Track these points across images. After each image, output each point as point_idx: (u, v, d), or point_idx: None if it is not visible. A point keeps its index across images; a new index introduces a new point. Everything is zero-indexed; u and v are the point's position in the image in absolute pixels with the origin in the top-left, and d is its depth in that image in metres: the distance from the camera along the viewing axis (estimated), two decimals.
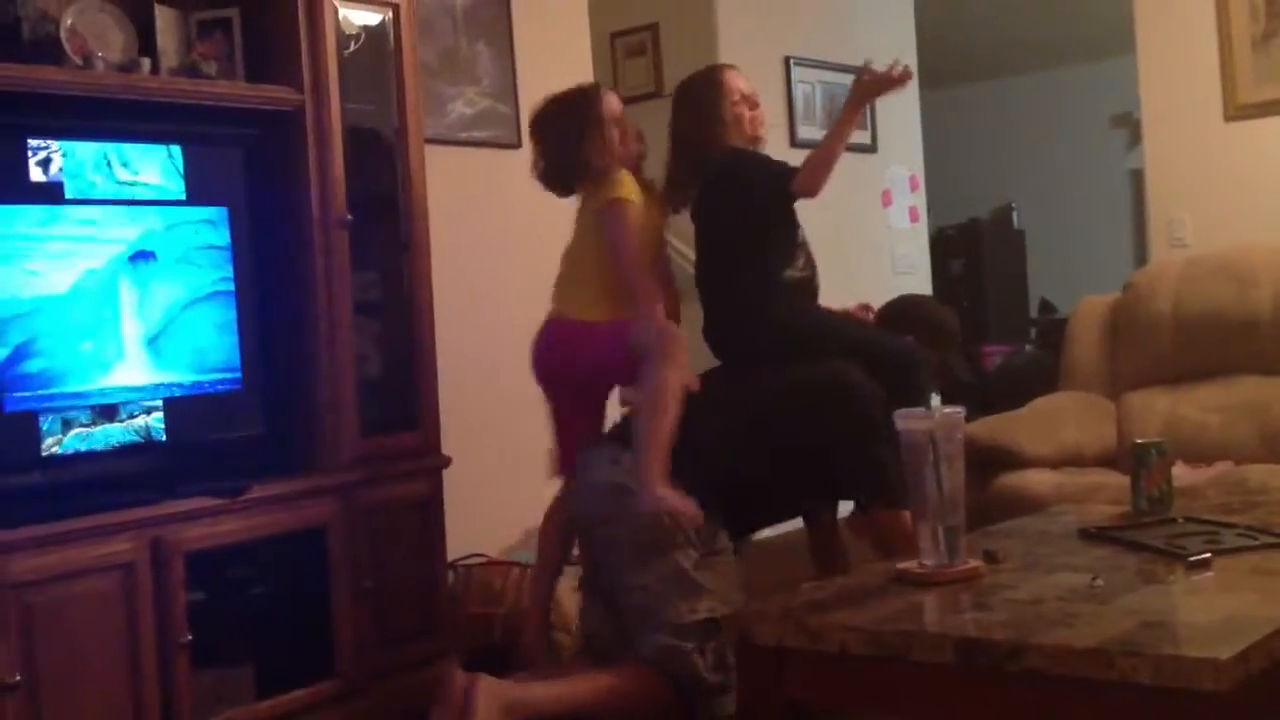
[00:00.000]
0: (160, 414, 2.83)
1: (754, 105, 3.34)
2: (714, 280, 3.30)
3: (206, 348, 2.93)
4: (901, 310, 3.41)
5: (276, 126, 3.05)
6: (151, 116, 2.85)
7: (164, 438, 2.83)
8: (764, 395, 3.10)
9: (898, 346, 3.19)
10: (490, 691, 2.85)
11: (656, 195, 3.27)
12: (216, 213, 2.95)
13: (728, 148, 3.28)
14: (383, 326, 3.34)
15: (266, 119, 3.03)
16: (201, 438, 2.92)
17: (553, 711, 2.87)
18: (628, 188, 3.11)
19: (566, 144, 3.14)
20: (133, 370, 2.80)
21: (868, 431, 2.96)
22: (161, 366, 2.85)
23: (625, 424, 3.21)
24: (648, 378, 2.96)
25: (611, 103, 3.20)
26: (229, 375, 2.97)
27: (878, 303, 3.52)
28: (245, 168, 3.00)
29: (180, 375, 2.88)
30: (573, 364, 3.16)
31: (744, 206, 3.22)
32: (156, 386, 2.83)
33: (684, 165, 3.31)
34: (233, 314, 2.97)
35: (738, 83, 3.34)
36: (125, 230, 2.79)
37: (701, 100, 3.33)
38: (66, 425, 2.68)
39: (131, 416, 2.79)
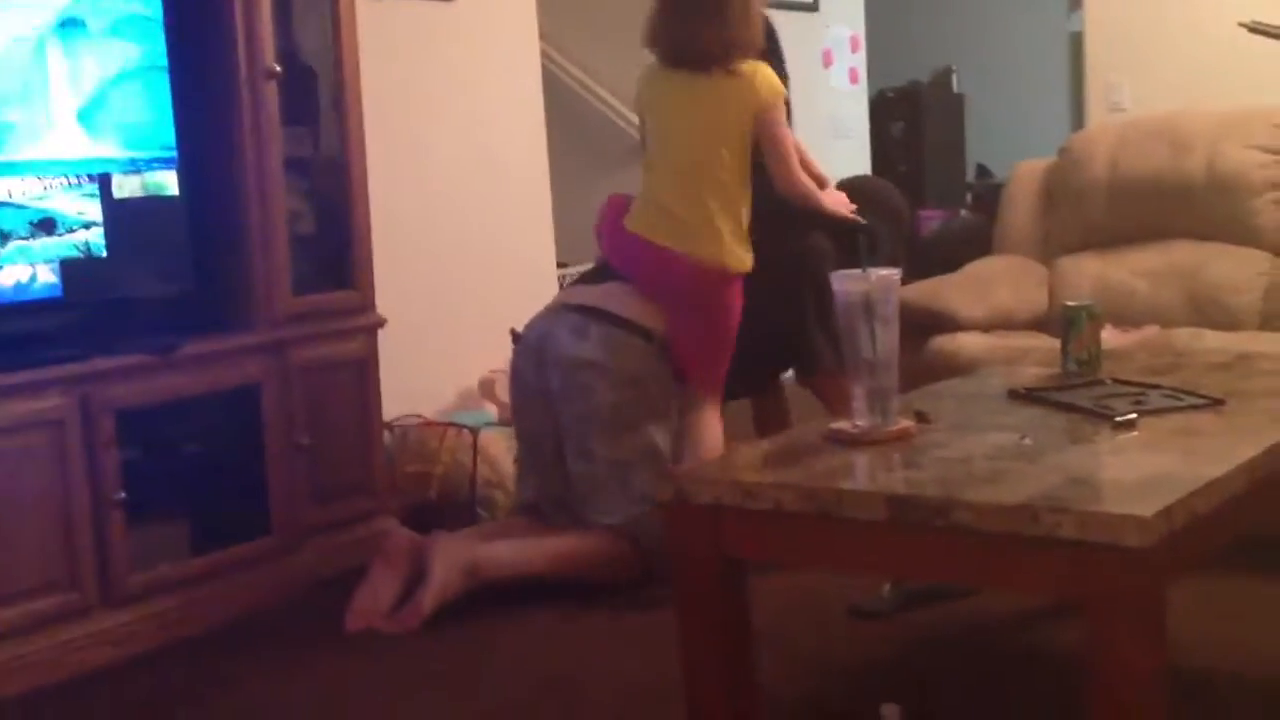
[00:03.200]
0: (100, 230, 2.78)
1: None
2: None
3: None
4: (853, 191, 3.37)
5: None
6: None
7: (104, 253, 2.78)
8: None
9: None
10: (449, 552, 2.86)
11: None
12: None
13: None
14: (315, 183, 3.28)
15: None
16: (131, 286, 2.87)
17: (514, 574, 2.90)
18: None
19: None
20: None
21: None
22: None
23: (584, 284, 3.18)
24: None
25: None
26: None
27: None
28: (166, 17, 2.90)
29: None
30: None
31: None
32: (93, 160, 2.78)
33: None
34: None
35: None
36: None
37: None
38: (4, 238, 2.63)
39: (70, 231, 2.73)
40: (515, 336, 3.22)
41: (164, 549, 2.84)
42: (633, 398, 2.95)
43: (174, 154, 2.92)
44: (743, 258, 3.00)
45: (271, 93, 3.02)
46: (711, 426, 3.09)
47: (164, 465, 2.88)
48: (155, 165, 2.89)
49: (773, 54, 3.17)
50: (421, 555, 2.89)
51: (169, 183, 2.92)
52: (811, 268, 3.12)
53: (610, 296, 3.03)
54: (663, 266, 2.99)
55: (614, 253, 3.09)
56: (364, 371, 3.26)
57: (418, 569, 2.88)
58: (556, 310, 3.10)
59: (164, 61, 2.89)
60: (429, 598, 2.80)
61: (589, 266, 3.49)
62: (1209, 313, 3.49)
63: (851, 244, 3.08)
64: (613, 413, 2.94)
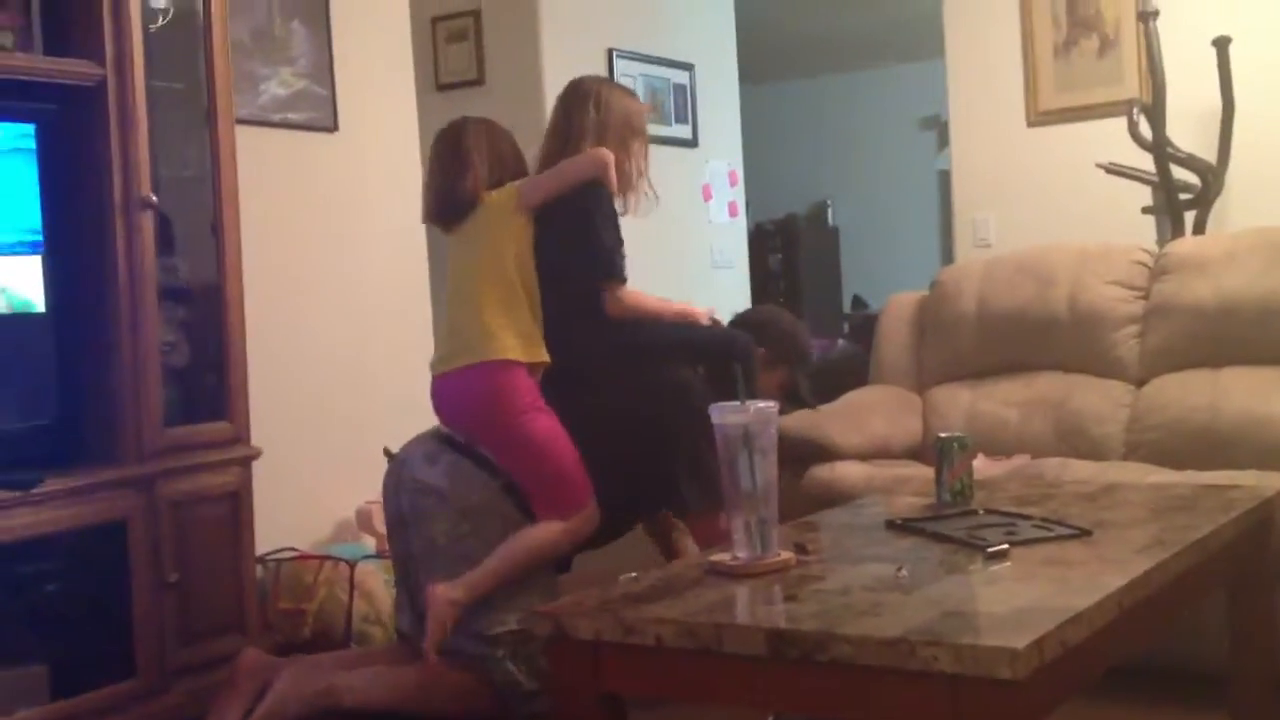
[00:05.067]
0: None
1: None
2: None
3: None
4: (757, 323, 3.38)
5: (76, 103, 2.92)
6: None
7: None
8: (604, 413, 3.04)
9: (716, 336, 3.22)
10: (297, 676, 2.79)
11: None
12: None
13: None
14: (190, 313, 3.23)
15: (66, 94, 2.90)
16: None
17: (366, 702, 2.82)
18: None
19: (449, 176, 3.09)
20: None
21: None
22: None
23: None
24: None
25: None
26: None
27: (703, 297, 3.55)
28: (42, 146, 2.86)
29: None
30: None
31: (572, 249, 3.10)
32: None
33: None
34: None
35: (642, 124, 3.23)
36: None
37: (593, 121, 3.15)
38: None
39: None
40: (389, 456, 3.20)
41: (22, 694, 2.70)
42: (469, 531, 2.91)
43: (39, 238, 2.85)
44: (521, 348, 2.97)
45: (147, 222, 2.99)
46: (530, 534, 2.92)
47: (22, 605, 2.75)
48: (20, 250, 2.83)
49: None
50: (270, 675, 2.82)
51: (36, 301, 2.86)
52: (686, 404, 2.99)
53: None
54: (447, 390, 3.03)
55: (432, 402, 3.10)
56: (237, 505, 3.18)
57: (265, 688, 2.80)
58: (424, 436, 3.09)
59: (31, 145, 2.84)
60: (257, 717, 2.71)
61: None
62: (1075, 442, 3.59)
63: (719, 370, 3.08)
64: (449, 543, 2.91)
